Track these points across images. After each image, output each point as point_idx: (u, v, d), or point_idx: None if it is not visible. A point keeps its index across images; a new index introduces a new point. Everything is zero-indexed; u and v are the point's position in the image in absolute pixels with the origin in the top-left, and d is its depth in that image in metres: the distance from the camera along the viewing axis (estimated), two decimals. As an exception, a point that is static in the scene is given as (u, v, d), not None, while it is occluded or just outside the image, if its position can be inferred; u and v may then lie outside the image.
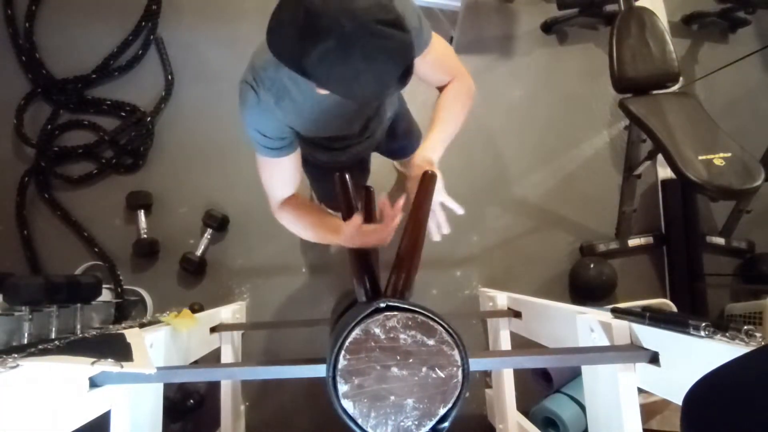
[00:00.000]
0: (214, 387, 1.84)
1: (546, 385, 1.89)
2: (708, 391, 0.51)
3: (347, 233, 0.91)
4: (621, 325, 0.95)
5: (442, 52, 1.05)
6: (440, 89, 1.11)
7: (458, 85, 1.09)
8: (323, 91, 0.81)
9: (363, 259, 0.93)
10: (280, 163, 1.01)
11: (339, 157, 1.27)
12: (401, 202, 0.90)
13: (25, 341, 1.31)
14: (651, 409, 1.71)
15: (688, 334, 0.79)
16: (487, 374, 1.91)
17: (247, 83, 0.93)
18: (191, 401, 1.87)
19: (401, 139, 1.49)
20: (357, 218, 0.89)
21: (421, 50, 0.98)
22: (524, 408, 1.67)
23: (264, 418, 1.92)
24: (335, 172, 1.04)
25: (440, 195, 1.00)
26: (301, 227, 1.07)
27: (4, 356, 0.76)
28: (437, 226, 1.01)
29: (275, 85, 0.92)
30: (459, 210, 1.02)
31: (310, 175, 1.46)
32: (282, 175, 1.04)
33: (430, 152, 1.01)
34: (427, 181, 0.96)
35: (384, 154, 1.61)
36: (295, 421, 1.94)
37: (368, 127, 1.19)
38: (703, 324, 0.77)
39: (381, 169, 2.04)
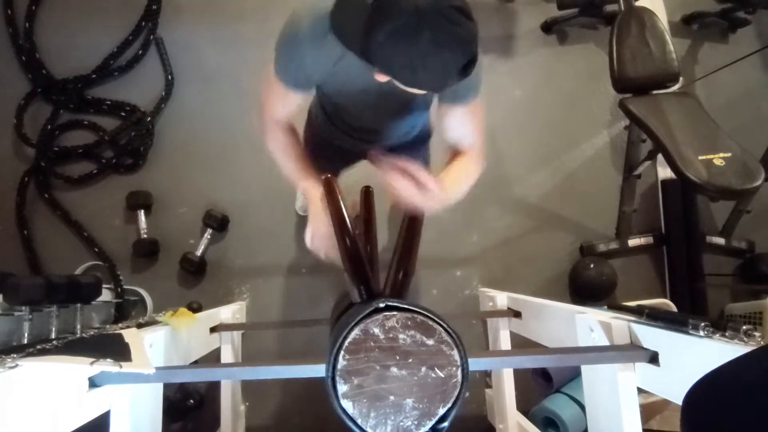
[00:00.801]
0: (214, 387, 1.84)
1: (546, 385, 1.88)
2: (708, 391, 0.51)
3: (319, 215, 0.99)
4: (620, 325, 0.95)
5: (478, 118, 1.06)
6: (451, 151, 1.11)
7: (474, 173, 1.12)
8: (383, 78, 0.79)
9: (356, 259, 0.92)
10: (290, 96, 0.99)
11: (325, 132, 1.24)
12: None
13: (25, 341, 1.31)
14: (651, 409, 1.70)
15: (688, 333, 0.79)
16: (487, 374, 1.91)
17: (314, 7, 0.87)
18: (191, 401, 1.87)
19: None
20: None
21: (467, 99, 0.99)
22: (524, 408, 1.67)
23: (264, 418, 1.92)
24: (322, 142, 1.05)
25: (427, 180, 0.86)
26: (283, 152, 1.06)
27: (4, 356, 0.76)
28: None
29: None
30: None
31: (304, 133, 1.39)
32: (285, 106, 1.03)
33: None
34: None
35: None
36: (295, 421, 1.93)
37: (367, 134, 1.17)
38: (702, 324, 0.77)
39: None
